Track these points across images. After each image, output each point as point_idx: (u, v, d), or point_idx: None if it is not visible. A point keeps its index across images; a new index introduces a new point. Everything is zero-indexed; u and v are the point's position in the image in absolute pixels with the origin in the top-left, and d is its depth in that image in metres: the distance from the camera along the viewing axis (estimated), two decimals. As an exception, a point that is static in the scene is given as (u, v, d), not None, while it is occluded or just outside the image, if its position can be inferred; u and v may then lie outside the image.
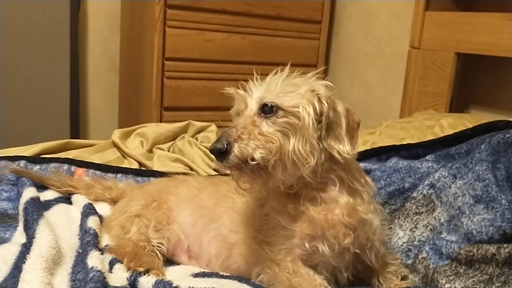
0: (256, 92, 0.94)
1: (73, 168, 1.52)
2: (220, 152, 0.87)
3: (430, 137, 1.50)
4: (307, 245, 0.95)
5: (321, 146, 0.93)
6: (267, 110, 0.91)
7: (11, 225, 1.19)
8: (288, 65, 0.98)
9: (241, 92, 0.96)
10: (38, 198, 1.23)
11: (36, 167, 1.49)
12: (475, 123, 1.35)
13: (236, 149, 0.87)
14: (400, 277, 1.05)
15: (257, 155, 0.87)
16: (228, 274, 1.05)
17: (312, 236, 0.95)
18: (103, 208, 1.29)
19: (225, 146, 0.87)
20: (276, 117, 0.91)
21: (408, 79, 2.23)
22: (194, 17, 2.46)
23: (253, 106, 0.93)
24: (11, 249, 1.02)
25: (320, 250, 0.95)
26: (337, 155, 0.93)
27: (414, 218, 1.19)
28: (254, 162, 0.87)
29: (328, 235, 0.95)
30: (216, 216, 1.10)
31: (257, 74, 0.98)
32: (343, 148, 0.94)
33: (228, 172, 0.93)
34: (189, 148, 1.80)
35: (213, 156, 0.90)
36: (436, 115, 1.93)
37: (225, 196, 1.12)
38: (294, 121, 0.90)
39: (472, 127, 1.29)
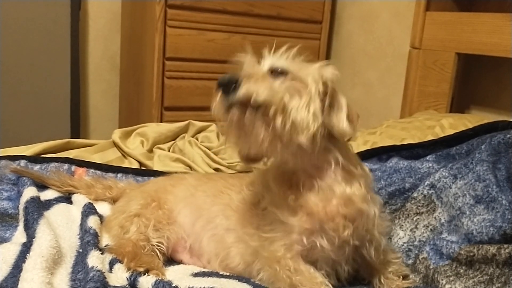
0: (267, 59, 0.94)
1: (73, 167, 1.52)
2: (228, 86, 0.85)
3: (430, 137, 1.50)
4: (305, 240, 0.94)
5: (321, 120, 0.92)
6: (277, 72, 0.91)
7: (12, 225, 1.19)
8: (297, 47, 0.98)
9: (252, 58, 0.95)
10: (38, 197, 1.23)
11: (37, 167, 1.49)
12: (475, 123, 1.35)
13: (244, 87, 0.85)
14: (401, 277, 1.05)
15: (261, 97, 0.85)
16: (228, 274, 1.05)
17: (311, 230, 0.94)
18: (103, 208, 1.29)
19: (236, 80, 0.85)
20: (285, 78, 0.90)
21: (409, 79, 2.23)
22: (195, 17, 2.46)
23: (264, 66, 0.93)
24: (12, 249, 1.02)
25: (318, 245, 0.94)
26: (336, 132, 0.93)
27: (415, 219, 1.19)
28: (257, 104, 0.85)
29: (327, 228, 0.94)
30: (213, 214, 1.10)
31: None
32: (343, 126, 0.93)
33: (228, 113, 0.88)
34: (189, 148, 1.80)
35: (218, 96, 0.87)
36: (436, 115, 1.93)
37: (221, 192, 1.11)
38: (301, 85, 0.90)
39: (473, 128, 1.28)
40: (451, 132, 1.42)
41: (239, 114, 0.86)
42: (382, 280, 1.04)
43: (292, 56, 0.95)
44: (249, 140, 0.89)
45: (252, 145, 0.90)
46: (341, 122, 0.93)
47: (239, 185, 1.11)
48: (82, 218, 1.17)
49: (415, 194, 1.20)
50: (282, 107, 0.86)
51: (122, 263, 0.99)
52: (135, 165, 1.70)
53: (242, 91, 0.85)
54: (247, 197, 1.06)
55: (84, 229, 1.11)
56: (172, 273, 1.05)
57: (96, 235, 1.08)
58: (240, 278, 1.01)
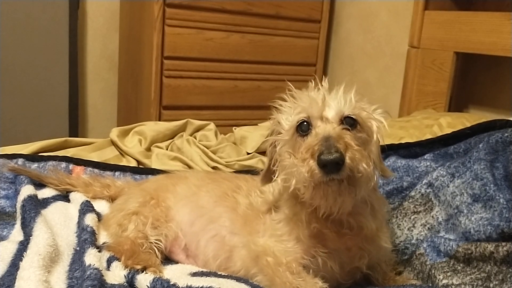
0: (333, 103, 0.89)
1: (71, 166, 1.52)
2: (332, 166, 0.79)
3: (428, 136, 1.50)
4: (319, 260, 0.93)
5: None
6: (350, 122, 0.87)
7: (9, 223, 1.19)
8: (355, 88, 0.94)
9: (318, 99, 0.89)
10: (35, 196, 1.23)
11: (34, 165, 1.48)
12: (473, 122, 1.35)
13: (348, 159, 0.80)
14: (394, 272, 1.06)
15: (362, 166, 0.82)
16: (226, 274, 1.04)
17: (328, 253, 0.93)
18: (101, 206, 1.29)
19: (343, 162, 0.79)
20: (356, 131, 0.88)
21: (407, 79, 2.24)
22: (193, 16, 2.46)
23: (334, 116, 0.88)
24: (9, 247, 1.02)
25: (329, 266, 0.94)
26: (382, 174, 0.96)
27: (412, 217, 1.18)
28: (360, 175, 0.82)
29: (342, 256, 0.94)
30: (216, 216, 1.08)
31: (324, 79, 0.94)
32: (386, 167, 0.96)
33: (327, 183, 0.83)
34: (187, 147, 1.80)
35: (317, 169, 0.81)
36: (435, 114, 1.93)
37: (226, 195, 1.09)
38: (367, 137, 0.90)
39: (471, 126, 1.28)
40: (449, 131, 1.42)
41: (339, 185, 0.83)
42: (376, 275, 1.04)
43: (354, 98, 0.91)
44: (335, 204, 0.87)
45: (334, 207, 0.88)
46: (383, 164, 0.96)
47: (246, 189, 1.09)
48: (79, 216, 1.17)
49: (412, 193, 1.20)
50: (368, 176, 0.84)
51: (119, 261, 0.99)
52: (133, 164, 1.70)
53: (347, 164, 0.80)
54: (256, 204, 1.04)
55: (81, 227, 1.11)
56: (170, 272, 1.04)
57: (93, 233, 1.07)
58: (238, 278, 1.00)
